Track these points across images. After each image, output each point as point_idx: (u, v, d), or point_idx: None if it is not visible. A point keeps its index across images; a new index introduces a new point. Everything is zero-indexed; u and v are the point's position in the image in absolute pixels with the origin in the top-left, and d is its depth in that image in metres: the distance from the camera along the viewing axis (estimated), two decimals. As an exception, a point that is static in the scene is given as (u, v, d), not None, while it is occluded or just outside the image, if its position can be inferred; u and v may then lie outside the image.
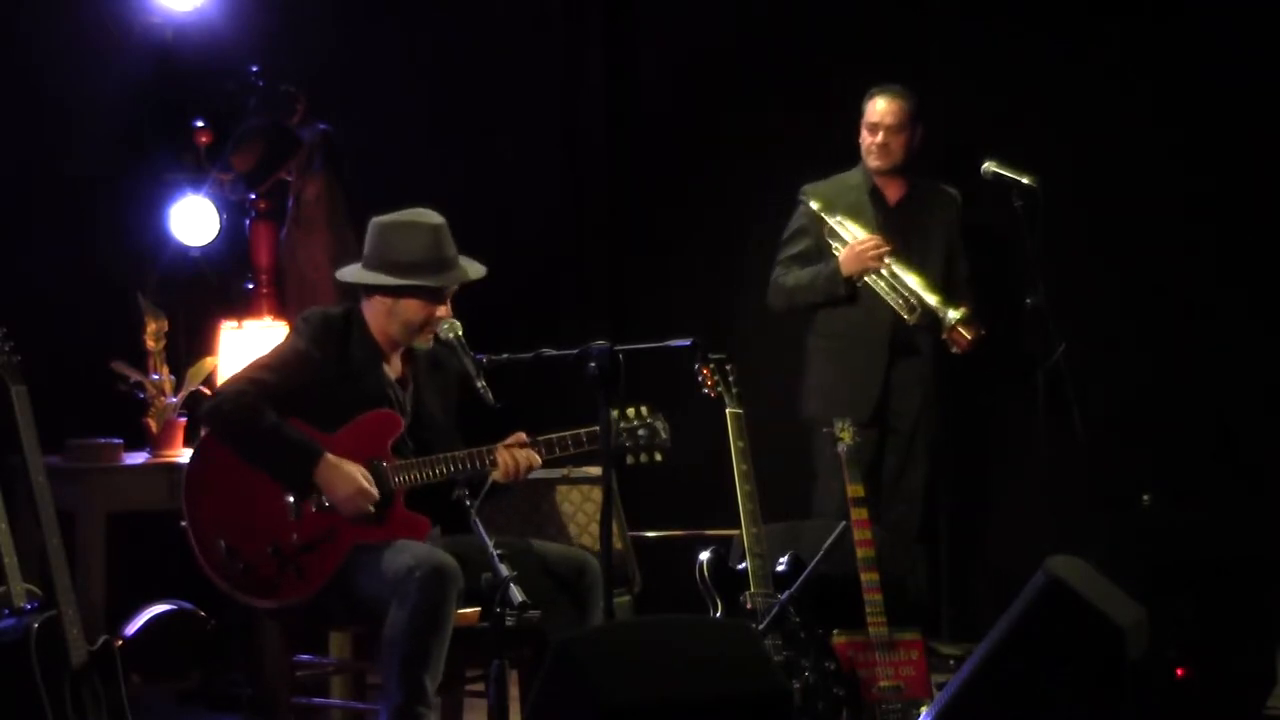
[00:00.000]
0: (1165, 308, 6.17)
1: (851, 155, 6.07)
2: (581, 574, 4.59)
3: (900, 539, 5.83)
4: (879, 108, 5.93)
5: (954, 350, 5.77)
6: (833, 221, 5.85)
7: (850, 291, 5.82)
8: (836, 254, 5.81)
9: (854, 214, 5.88)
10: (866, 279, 5.78)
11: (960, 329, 5.70)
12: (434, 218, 4.64)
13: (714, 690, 3.65)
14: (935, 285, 5.77)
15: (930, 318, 5.74)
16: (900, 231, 5.88)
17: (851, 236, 5.81)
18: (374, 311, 4.65)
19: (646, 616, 5.29)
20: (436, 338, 4.68)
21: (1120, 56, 6.21)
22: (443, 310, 4.62)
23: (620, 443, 4.54)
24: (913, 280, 5.74)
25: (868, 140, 5.95)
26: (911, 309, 5.73)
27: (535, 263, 6.67)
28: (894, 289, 5.76)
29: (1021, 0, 6.33)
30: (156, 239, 6.16)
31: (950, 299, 5.75)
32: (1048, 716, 3.88)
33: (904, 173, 5.97)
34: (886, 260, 5.74)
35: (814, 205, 5.90)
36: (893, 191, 5.98)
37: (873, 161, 5.94)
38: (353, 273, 4.69)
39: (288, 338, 4.69)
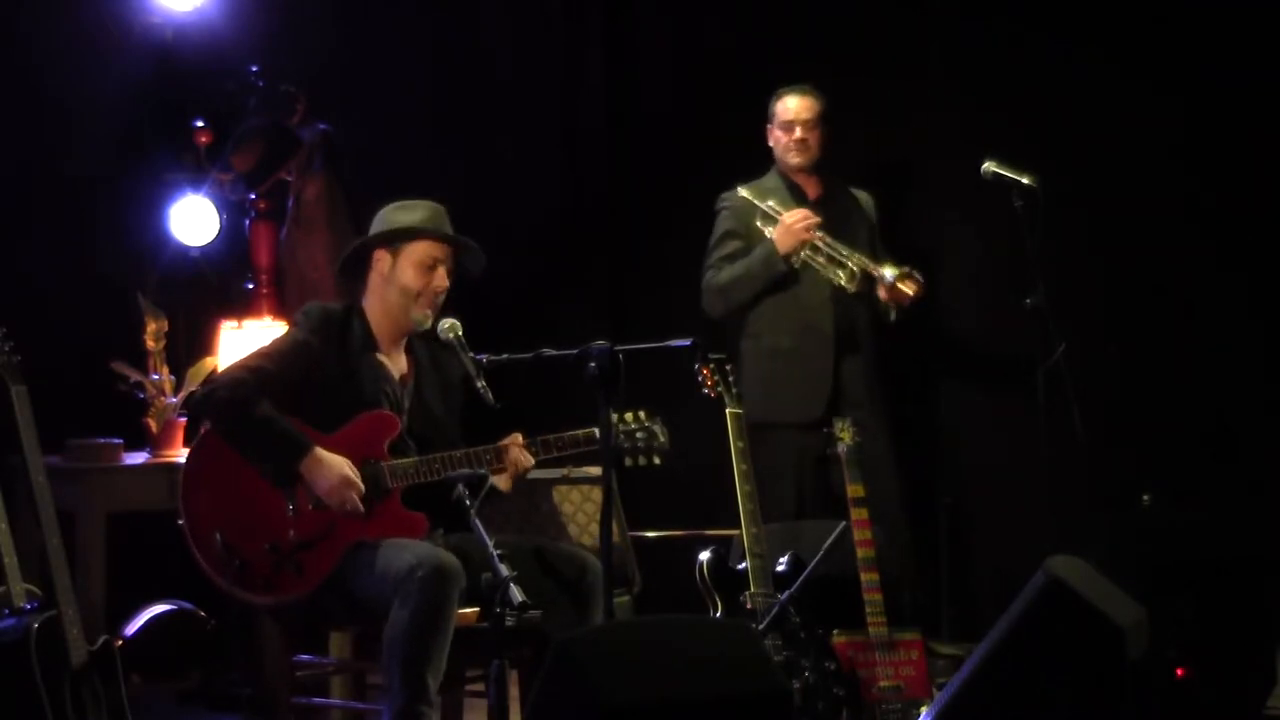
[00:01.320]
0: (1165, 308, 6.17)
1: (850, 154, 6.07)
2: (582, 574, 4.59)
3: (893, 538, 5.82)
4: (792, 105, 5.92)
5: (890, 311, 5.70)
6: (764, 206, 5.81)
7: (789, 269, 5.76)
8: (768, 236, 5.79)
9: (768, 215, 5.86)
10: (804, 255, 5.73)
11: (900, 285, 5.64)
12: (436, 203, 4.76)
13: (714, 690, 3.65)
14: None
15: (868, 280, 5.70)
16: (824, 226, 5.81)
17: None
18: (373, 292, 4.70)
19: (646, 616, 5.28)
20: (436, 337, 4.69)
21: (1120, 56, 6.21)
22: (439, 278, 4.65)
23: (619, 444, 4.55)
24: (845, 247, 5.73)
25: (784, 139, 5.92)
26: (851, 275, 5.68)
27: (535, 263, 6.67)
28: (831, 259, 5.72)
29: (1021, 0, 6.33)
30: (156, 239, 6.17)
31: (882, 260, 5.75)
32: (1048, 716, 3.88)
33: (819, 170, 5.96)
34: (818, 232, 5.72)
35: (744, 193, 5.86)
36: (811, 189, 5.95)
37: (793, 159, 5.92)
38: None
39: (288, 330, 4.73)
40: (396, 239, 4.68)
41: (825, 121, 5.93)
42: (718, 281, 5.85)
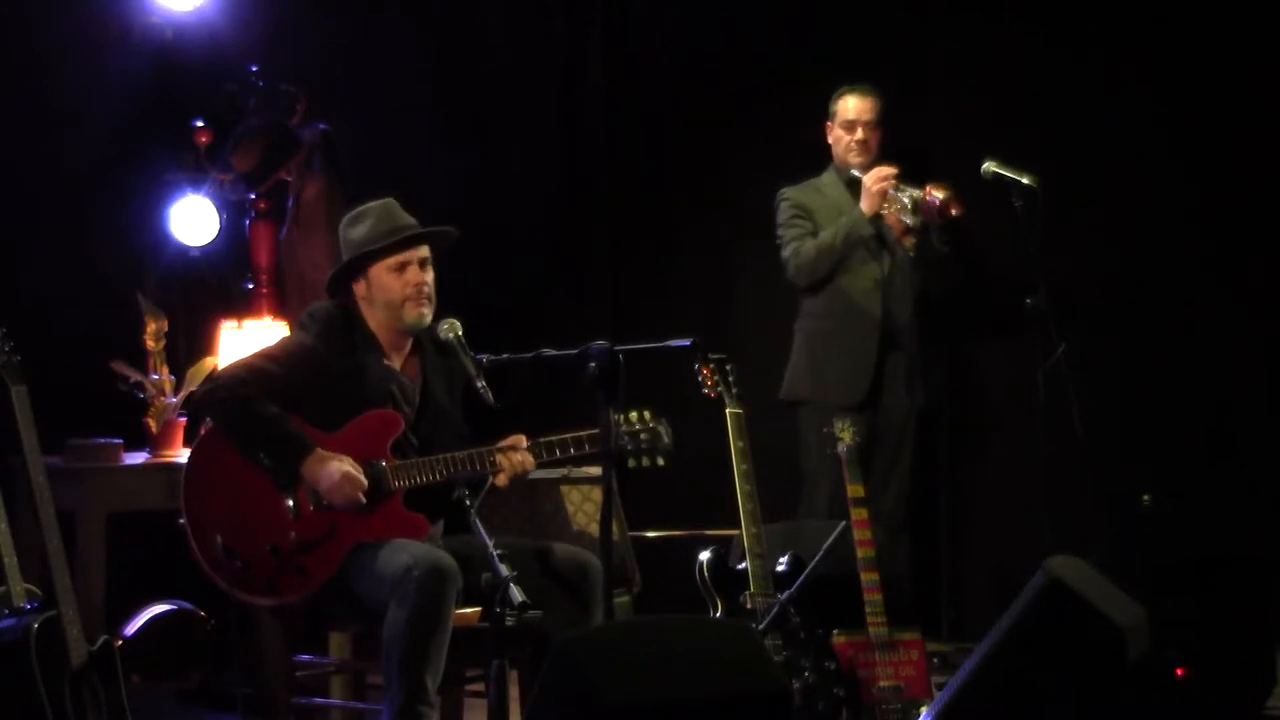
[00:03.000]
0: (1165, 308, 6.17)
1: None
2: (583, 574, 4.58)
3: (890, 533, 5.84)
4: (853, 105, 5.99)
5: (948, 212, 5.72)
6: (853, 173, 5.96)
7: (874, 230, 5.87)
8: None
9: (835, 213, 5.93)
10: (884, 211, 5.83)
11: (931, 189, 5.71)
12: (383, 200, 4.71)
13: (714, 690, 3.65)
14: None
15: (918, 206, 5.78)
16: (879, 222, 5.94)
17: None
18: (365, 310, 4.68)
19: (646, 616, 5.28)
20: (436, 337, 4.68)
21: (1120, 56, 6.21)
22: (413, 275, 4.61)
23: (622, 445, 4.53)
24: (903, 184, 5.80)
25: (845, 139, 5.99)
26: (914, 208, 5.78)
27: (535, 263, 6.68)
28: (904, 207, 5.80)
29: (1022, 1, 6.33)
30: (156, 239, 6.17)
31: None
32: (1048, 716, 3.88)
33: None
34: (896, 180, 5.80)
35: (799, 190, 6.00)
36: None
37: (854, 159, 5.98)
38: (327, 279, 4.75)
39: (293, 332, 4.70)
40: (357, 266, 4.63)
41: (883, 122, 5.98)
42: (806, 252, 5.92)
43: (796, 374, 6.03)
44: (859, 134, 5.96)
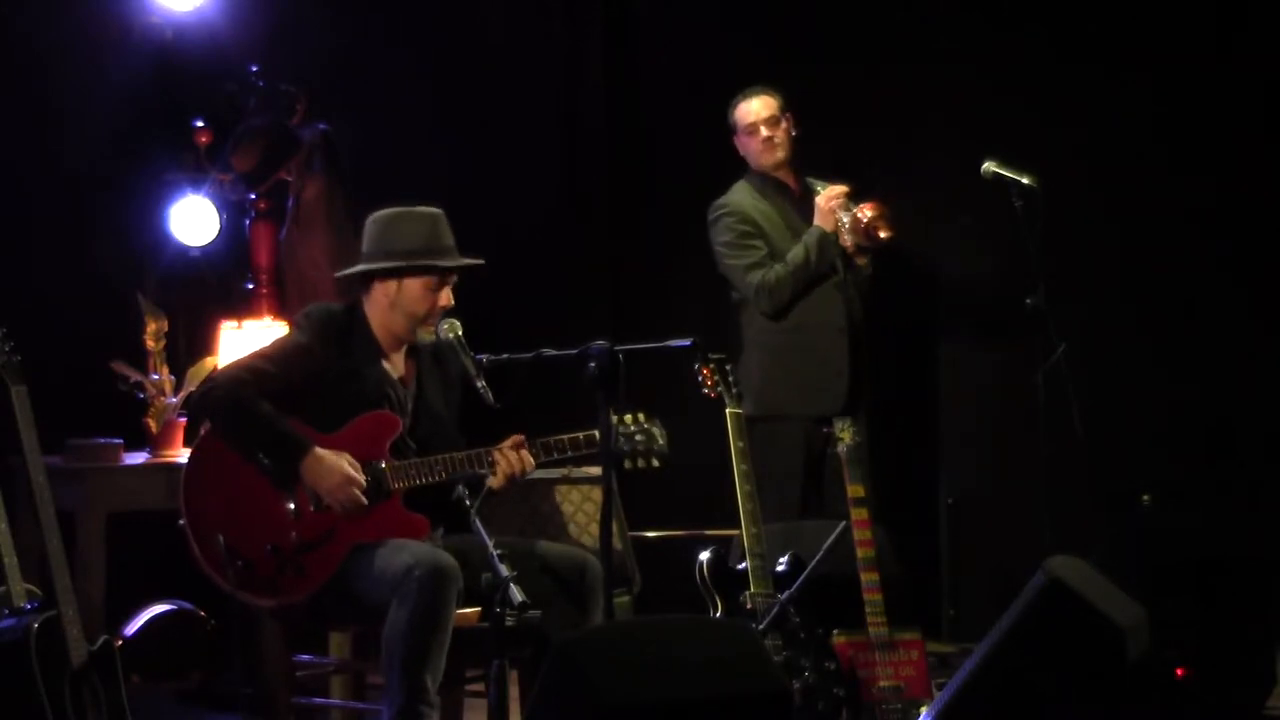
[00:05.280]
0: (1165, 308, 6.17)
1: (850, 154, 6.07)
2: (582, 574, 4.59)
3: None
4: (752, 108, 5.93)
5: (874, 233, 5.62)
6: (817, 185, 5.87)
7: (841, 248, 5.78)
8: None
9: (777, 217, 5.88)
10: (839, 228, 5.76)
11: (863, 209, 5.62)
12: (432, 209, 4.69)
13: (714, 690, 3.65)
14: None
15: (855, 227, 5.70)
16: (810, 219, 5.85)
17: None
18: (376, 307, 4.66)
19: (646, 616, 5.28)
20: (437, 336, 4.69)
21: (1120, 56, 6.22)
22: (445, 298, 4.64)
23: (618, 448, 4.53)
24: (851, 204, 5.73)
25: (751, 143, 5.93)
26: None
27: (535, 263, 6.68)
28: (843, 226, 5.72)
29: (1022, 1, 6.34)
30: (156, 239, 6.17)
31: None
32: (1048, 716, 3.88)
33: (791, 166, 5.95)
34: (847, 200, 5.71)
35: (737, 196, 5.91)
36: (793, 184, 5.95)
37: (766, 160, 5.92)
38: (354, 268, 4.71)
39: (289, 332, 4.71)
40: (402, 274, 4.61)
41: (785, 116, 5.92)
42: (774, 278, 5.77)
43: (764, 386, 5.79)
44: (763, 133, 5.90)
